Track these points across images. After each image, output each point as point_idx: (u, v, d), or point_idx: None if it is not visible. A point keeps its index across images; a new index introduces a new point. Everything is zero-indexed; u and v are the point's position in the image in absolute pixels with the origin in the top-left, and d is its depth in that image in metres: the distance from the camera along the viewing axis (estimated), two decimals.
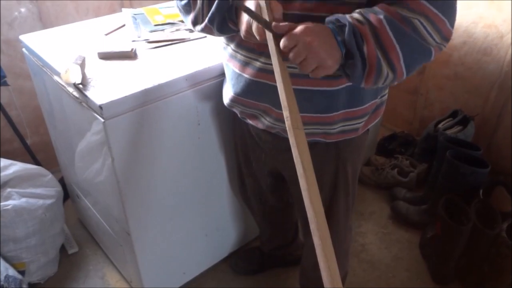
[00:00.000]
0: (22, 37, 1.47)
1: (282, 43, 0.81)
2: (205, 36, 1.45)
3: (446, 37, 0.85)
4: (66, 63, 1.22)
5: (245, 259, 1.76)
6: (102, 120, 1.10)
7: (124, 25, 1.55)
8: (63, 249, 1.81)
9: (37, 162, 1.94)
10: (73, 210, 1.97)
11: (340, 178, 1.17)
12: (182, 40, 1.43)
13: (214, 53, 1.34)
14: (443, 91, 2.23)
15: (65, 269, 1.76)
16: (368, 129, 1.14)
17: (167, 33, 1.47)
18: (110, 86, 1.15)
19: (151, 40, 1.42)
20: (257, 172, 1.35)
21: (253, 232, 1.81)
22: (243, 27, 0.91)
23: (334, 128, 1.04)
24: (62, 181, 1.88)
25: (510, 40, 1.88)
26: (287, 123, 0.82)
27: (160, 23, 1.54)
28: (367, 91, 1.01)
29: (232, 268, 1.75)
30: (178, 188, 1.40)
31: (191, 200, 1.47)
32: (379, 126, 2.28)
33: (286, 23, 0.82)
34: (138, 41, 1.43)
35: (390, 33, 0.80)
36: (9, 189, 1.57)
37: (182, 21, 1.55)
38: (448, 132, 1.99)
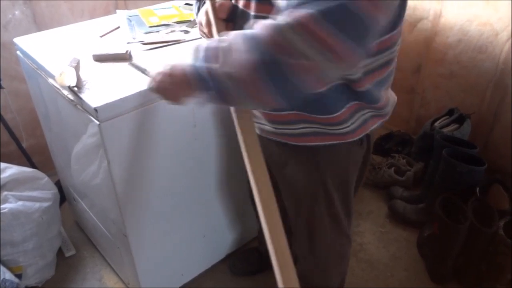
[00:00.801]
0: (17, 40, 1.47)
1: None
2: (200, 37, 1.45)
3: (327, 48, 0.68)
4: (61, 66, 1.22)
5: (243, 260, 1.76)
6: (98, 122, 1.10)
7: (119, 27, 1.54)
8: (60, 252, 1.81)
9: (33, 165, 1.93)
10: (69, 212, 1.97)
11: (319, 188, 1.12)
12: (177, 42, 1.43)
13: None
14: (439, 90, 2.23)
15: (63, 272, 1.76)
16: (361, 142, 1.08)
17: (162, 35, 1.47)
18: (105, 88, 1.15)
19: (146, 41, 1.41)
20: None
21: (251, 233, 1.80)
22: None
23: (295, 129, 1.01)
24: (58, 184, 1.87)
25: (505, 38, 1.88)
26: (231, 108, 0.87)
27: (154, 24, 1.54)
28: (330, 101, 0.94)
29: (230, 269, 1.75)
30: (175, 190, 1.39)
31: (188, 202, 1.46)
32: None
33: None
34: (133, 42, 1.42)
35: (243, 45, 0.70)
36: (5, 192, 1.56)
37: (177, 23, 1.55)
38: (445, 130, 1.99)
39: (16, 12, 1.82)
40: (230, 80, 0.71)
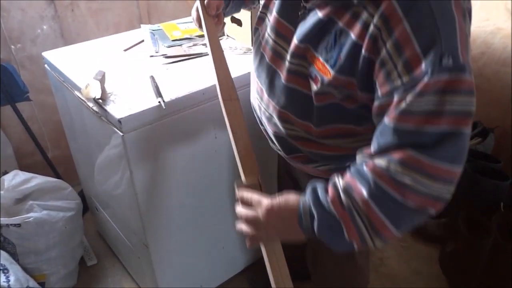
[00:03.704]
0: (45, 54, 1.51)
1: (243, 222, 0.84)
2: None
3: (450, 181, 0.71)
4: (86, 79, 1.25)
5: (262, 272, 1.75)
6: (121, 134, 1.12)
7: (142, 41, 1.58)
8: (82, 261, 1.84)
9: (58, 175, 1.98)
10: (91, 222, 2.00)
11: None
12: (199, 55, 1.45)
13: (231, 67, 1.35)
14: None
15: (84, 281, 1.78)
16: None
17: (185, 48, 1.50)
18: (129, 100, 1.18)
19: (168, 55, 1.44)
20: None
21: None
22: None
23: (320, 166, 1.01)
24: (81, 194, 1.91)
25: None
26: (219, 97, 0.96)
27: (177, 38, 1.57)
28: None
29: (249, 281, 1.74)
30: (196, 201, 1.41)
31: (209, 212, 1.47)
32: None
33: (253, 196, 0.83)
34: (156, 56, 1.45)
35: (380, 214, 0.71)
36: (30, 202, 1.60)
37: (199, 36, 1.58)
38: None
39: (45, 27, 1.88)
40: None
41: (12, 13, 1.78)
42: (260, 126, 1.10)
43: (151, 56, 1.46)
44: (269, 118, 1.00)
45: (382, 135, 0.72)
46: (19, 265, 1.55)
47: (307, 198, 0.77)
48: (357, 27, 0.73)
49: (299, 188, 1.23)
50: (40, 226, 1.55)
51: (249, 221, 0.82)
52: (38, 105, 1.99)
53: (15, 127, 1.94)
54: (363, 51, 0.72)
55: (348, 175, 0.75)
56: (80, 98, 1.29)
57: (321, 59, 0.80)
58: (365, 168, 0.72)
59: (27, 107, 1.94)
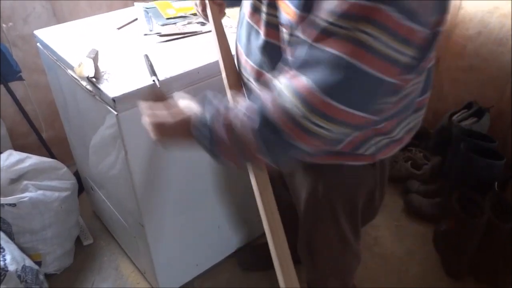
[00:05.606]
0: (37, 32, 1.49)
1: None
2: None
3: (347, 124, 0.68)
4: (79, 57, 1.23)
5: (253, 254, 1.75)
6: (115, 113, 1.11)
7: (136, 19, 1.56)
8: (78, 240, 1.84)
9: (52, 156, 1.97)
10: (88, 202, 2.00)
11: (324, 205, 1.07)
12: (193, 33, 1.43)
13: None
14: (458, 83, 2.19)
15: (81, 260, 1.79)
16: (374, 164, 1.01)
17: (179, 27, 1.48)
18: (123, 79, 1.17)
19: (163, 33, 1.42)
20: None
21: (262, 228, 1.80)
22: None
23: None
24: (77, 174, 1.90)
25: None
26: (225, 83, 0.97)
27: (171, 16, 1.55)
28: None
29: (241, 265, 1.74)
30: (191, 180, 1.41)
31: (204, 192, 1.48)
32: None
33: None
34: (150, 34, 1.43)
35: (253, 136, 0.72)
36: (25, 182, 1.59)
37: (194, 14, 1.55)
38: (463, 124, 1.96)
39: (36, 6, 1.85)
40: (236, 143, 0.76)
41: None
42: None
43: (145, 34, 1.44)
44: (249, 87, 0.96)
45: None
46: (15, 244, 1.55)
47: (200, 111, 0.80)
48: None
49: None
50: (35, 206, 1.55)
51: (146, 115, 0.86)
52: (31, 85, 1.96)
53: (9, 107, 1.92)
54: None
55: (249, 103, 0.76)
56: (73, 77, 1.27)
57: (285, 0, 0.76)
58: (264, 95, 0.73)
59: (20, 87, 1.92)
